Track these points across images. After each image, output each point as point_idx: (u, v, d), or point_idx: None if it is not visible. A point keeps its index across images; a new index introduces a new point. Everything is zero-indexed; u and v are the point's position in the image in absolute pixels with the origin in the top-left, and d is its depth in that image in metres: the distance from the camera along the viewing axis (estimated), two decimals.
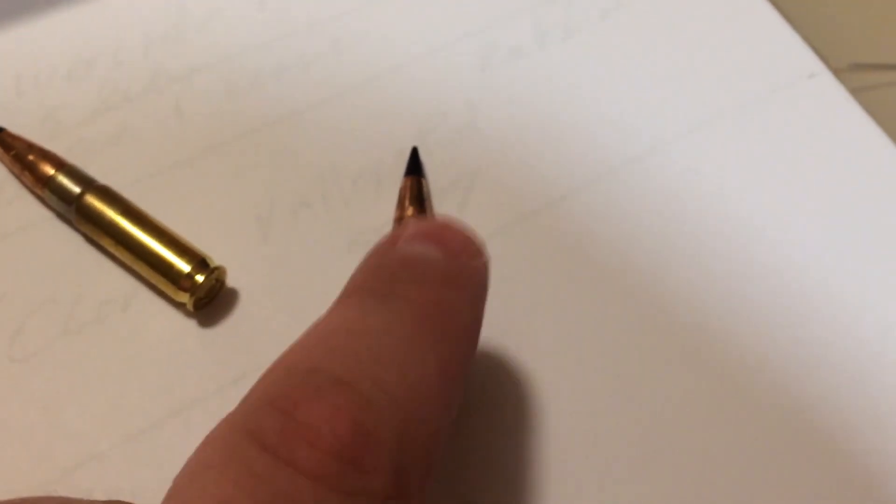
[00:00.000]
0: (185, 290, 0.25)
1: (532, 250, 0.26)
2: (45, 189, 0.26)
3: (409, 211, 0.26)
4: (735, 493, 0.22)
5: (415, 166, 0.27)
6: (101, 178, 0.26)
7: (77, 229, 0.26)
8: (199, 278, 0.25)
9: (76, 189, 0.26)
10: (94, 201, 0.25)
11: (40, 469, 0.23)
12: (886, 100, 0.31)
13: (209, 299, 0.25)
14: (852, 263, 0.26)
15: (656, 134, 0.28)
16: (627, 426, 0.23)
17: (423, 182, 0.27)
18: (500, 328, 0.25)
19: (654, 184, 0.27)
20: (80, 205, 0.25)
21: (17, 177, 0.26)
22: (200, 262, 0.25)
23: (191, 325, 0.25)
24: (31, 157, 0.26)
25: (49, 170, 0.26)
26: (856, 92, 0.30)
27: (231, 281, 0.26)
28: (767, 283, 0.25)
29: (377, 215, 0.27)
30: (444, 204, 0.27)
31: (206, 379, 0.24)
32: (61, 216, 0.26)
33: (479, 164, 0.28)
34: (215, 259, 0.25)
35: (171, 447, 0.23)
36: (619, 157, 0.28)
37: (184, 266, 0.25)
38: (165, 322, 0.25)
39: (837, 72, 0.30)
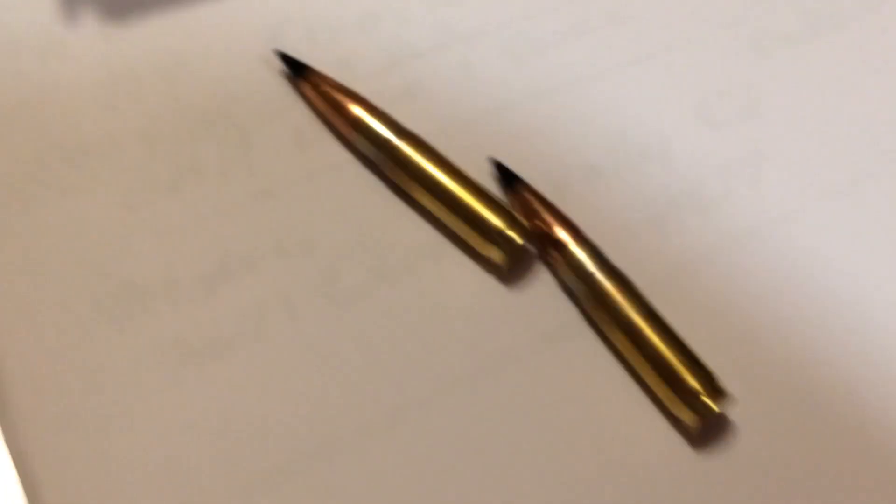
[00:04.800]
0: (494, 243, 0.25)
1: None
2: (355, 131, 0.26)
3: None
4: None
5: (506, 175, 0.26)
6: None
7: (381, 174, 0.26)
8: (511, 234, 0.25)
9: (387, 134, 0.26)
10: (405, 147, 0.25)
11: (367, 405, 0.23)
12: None
13: (516, 259, 0.25)
14: None
15: None
16: None
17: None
18: None
19: None
20: (389, 149, 0.25)
21: (323, 117, 0.26)
22: (510, 218, 0.25)
23: (496, 283, 0.25)
24: (339, 98, 0.26)
25: (359, 112, 0.26)
26: None
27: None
28: None
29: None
30: (732, 180, 0.27)
31: (516, 334, 0.24)
32: (365, 160, 0.26)
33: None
34: None
35: (482, 403, 0.23)
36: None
37: (495, 220, 0.25)
38: (473, 276, 0.25)
39: None
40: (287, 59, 0.27)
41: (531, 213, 0.25)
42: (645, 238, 0.26)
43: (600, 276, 0.24)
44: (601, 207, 0.27)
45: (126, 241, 0.24)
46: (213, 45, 0.27)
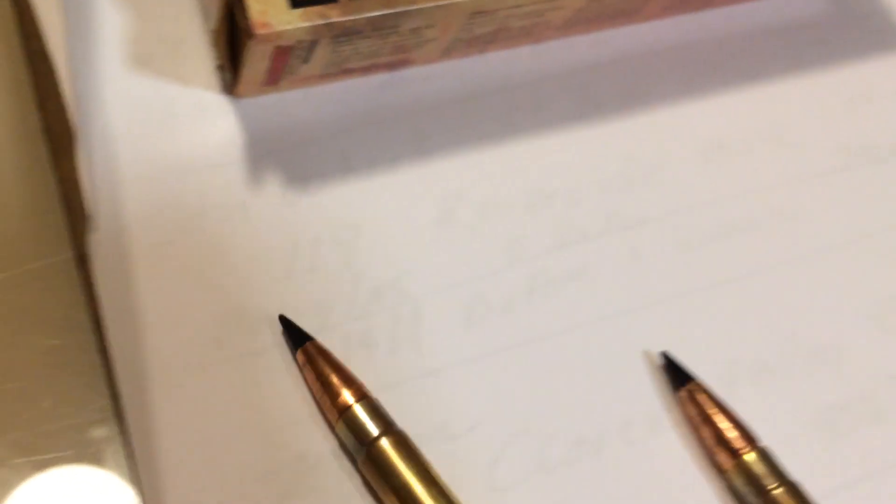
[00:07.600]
0: None
1: None
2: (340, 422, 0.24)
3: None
4: None
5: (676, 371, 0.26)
6: (561, 312, 0.26)
7: None
8: None
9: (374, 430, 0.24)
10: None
11: None
12: None
13: None
14: None
15: None
16: None
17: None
18: None
19: None
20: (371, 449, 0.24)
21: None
22: None
23: None
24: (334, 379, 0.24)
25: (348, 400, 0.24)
26: None
27: None
28: None
29: None
30: None
31: None
32: None
33: None
34: None
35: None
36: None
37: None
38: None
39: None
40: (288, 325, 0.25)
41: (702, 414, 0.25)
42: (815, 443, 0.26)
43: (777, 490, 0.24)
44: (770, 406, 0.26)
45: (295, 413, 0.24)
46: (388, 215, 0.28)
